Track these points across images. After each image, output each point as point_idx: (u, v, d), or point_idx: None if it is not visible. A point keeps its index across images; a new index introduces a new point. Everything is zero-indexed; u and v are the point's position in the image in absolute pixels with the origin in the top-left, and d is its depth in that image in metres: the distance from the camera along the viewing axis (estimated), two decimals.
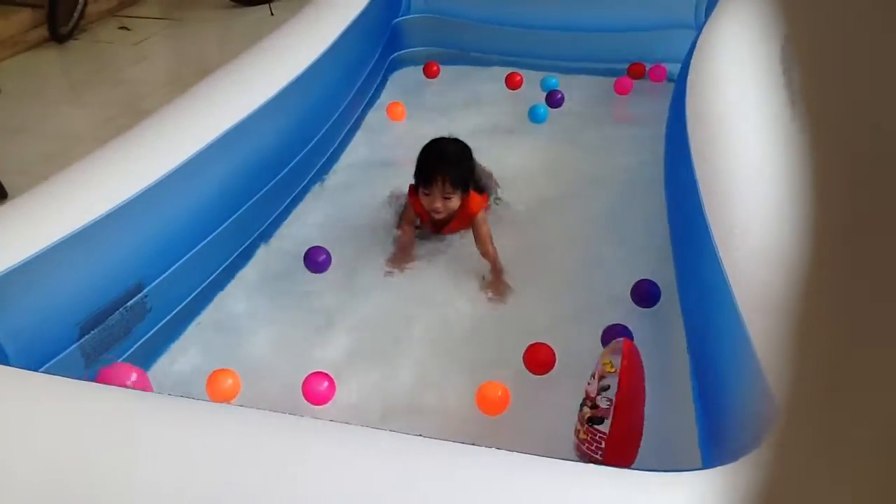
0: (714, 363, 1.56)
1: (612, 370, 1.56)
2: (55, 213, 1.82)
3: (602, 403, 1.54)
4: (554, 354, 1.89)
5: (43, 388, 1.36)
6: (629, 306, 2.10)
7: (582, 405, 1.61)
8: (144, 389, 1.57)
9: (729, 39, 2.42)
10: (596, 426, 1.55)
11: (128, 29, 4.97)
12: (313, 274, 2.29)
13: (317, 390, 1.79)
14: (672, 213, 2.22)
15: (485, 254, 2.32)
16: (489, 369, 1.92)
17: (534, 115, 3.17)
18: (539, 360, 1.90)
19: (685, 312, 1.91)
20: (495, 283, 2.26)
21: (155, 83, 4.38)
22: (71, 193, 1.90)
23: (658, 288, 2.10)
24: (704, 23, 2.85)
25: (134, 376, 1.55)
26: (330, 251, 2.30)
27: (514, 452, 1.16)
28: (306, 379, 1.82)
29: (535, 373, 1.91)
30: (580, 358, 1.87)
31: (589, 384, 1.60)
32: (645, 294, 2.10)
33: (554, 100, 3.22)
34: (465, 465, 1.13)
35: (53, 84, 4.33)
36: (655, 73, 3.38)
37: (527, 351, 1.91)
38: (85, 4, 4.75)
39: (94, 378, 1.58)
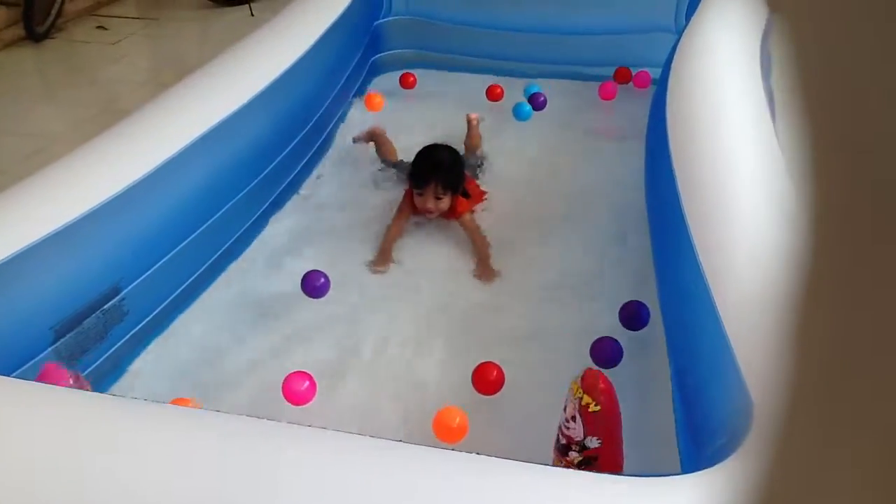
0: (694, 368, 1.56)
1: (596, 408, 1.45)
2: (30, 214, 1.80)
3: (592, 444, 1.46)
4: (503, 374, 1.85)
5: (17, 393, 1.34)
6: (606, 314, 2.10)
7: (566, 450, 1.50)
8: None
9: (710, 42, 2.43)
10: (588, 467, 1.47)
11: (105, 28, 4.92)
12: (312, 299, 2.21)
13: (297, 390, 1.77)
14: (652, 216, 2.22)
15: (474, 244, 2.46)
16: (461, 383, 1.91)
17: (518, 113, 3.16)
18: (488, 380, 1.85)
19: (665, 315, 1.91)
20: (483, 268, 2.38)
21: (133, 83, 4.33)
22: (46, 194, 1.87)
23: (647, 310, 2.02)
24: (685, 26, 2.87)
25: (70, 381, 1.52)
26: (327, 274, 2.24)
27: (497, 458, 1.15)
28: (286, 379, 1.81)
29: (484, 393, 1.85)
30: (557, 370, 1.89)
31: (568, 427, 1.49)
32: (634, 316, 2.02)
33: (536, 102, 3.22)
34: (449, 471, 1.12)
35: (29, 83, 4.27)
36: (639, 80, 3.38)
37: (475, 371, 1.87)
38: (62, 3, 4.69)
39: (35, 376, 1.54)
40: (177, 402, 1.68)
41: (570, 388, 1.50)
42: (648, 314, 2.02)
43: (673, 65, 2.40)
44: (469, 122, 3.06)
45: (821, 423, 0.26)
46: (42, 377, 1.49)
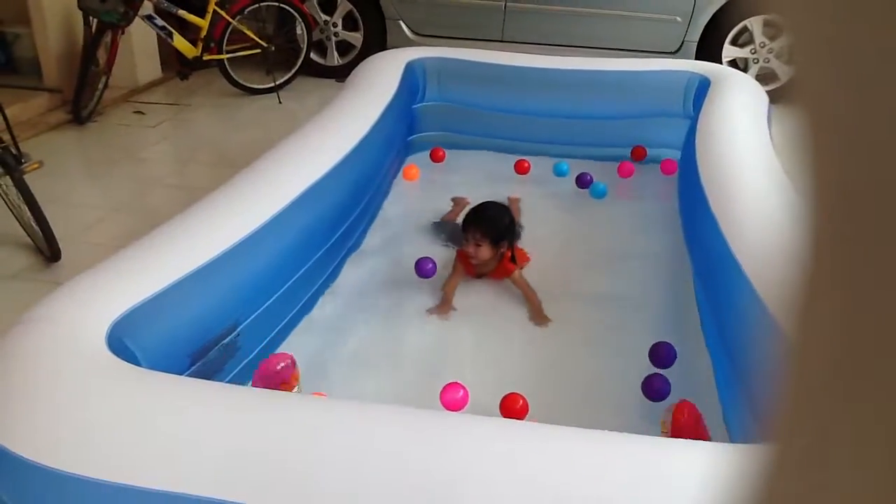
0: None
1: (664, 431, 1.74)
2: (172, 256, 2.06)
3: None
4: (526, 404, 2.12)
5: (210, 392, 1.59)
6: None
7: None
8: (292, 371, 1.89)
9: (726, 121, 2.84)
10: None
11: (143, 113, 5.26)
12: (422, 278, 2.81)
13: (454, 398, 2.11)
14: (696, 261, 2.56)
15: (526, 297, 2.77)
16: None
17: (595, 192, 3.53)
18: (514, 409, 2.12)
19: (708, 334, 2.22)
20: (537, 316, 2.70)
21: (177, 161, 4.67)
22: (180, 243, 2.14)
23: (674, 350, 2.32)
24: (698, 112, 3.29)
25: (282, 363, 1.85)
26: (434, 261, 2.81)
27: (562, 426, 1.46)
28: (444, 389, 2.14)
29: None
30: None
31: None
32: (662, 356, 2.31)
33: (583, 181, 3.59)
34: (544, 441, 1.40)
35: (80, 161, 4.58)
36: (666, 167, 3.71)
37: (503, 401, 2.14)
38: (103, 90, 5.04)
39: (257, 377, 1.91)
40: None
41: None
42: (675, 353, 2.32)
43: (697, 135, 2.79)
44: (510, 200, 3.42)
45: (822, 421, 0.26)
46: (266, 362, 1.89)
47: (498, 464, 1.37)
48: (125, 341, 1.80)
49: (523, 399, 2.14)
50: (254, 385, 2.02)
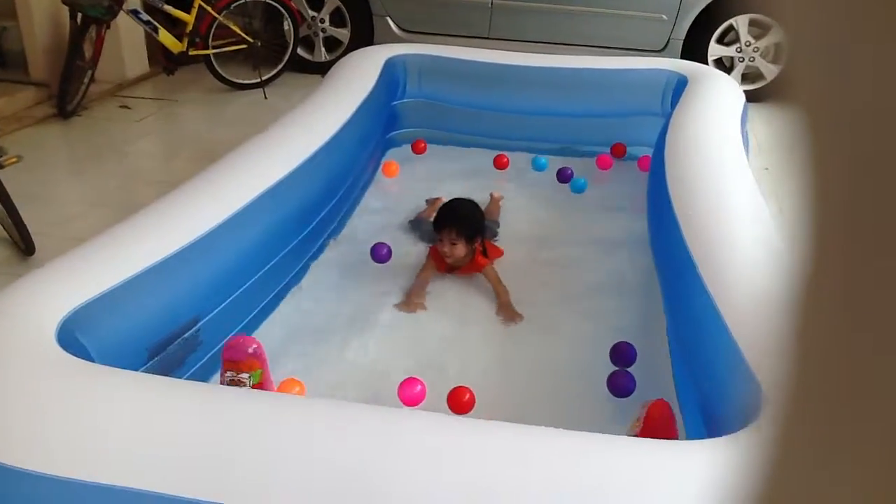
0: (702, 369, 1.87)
1: (635, 427, 1.77)
2: (131, 251, 2.07)
3: None
4: (473, 398, 2.14)
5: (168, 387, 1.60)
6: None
7: None
8: (262, 358, 1.92)
9: (699, 118, 2.84)
10: None
11: (128, 108, 5.27)
12: (378, 264, 2.89)
13: (411, 393, 2.13)
14: (659, 258, 2.57)
15: (496, 291, 2.78)
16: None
17: (575, 187, 3.56)
18: (461, 402, 2.14)
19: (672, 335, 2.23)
20: (506, 311, 2.70)
21: (160, 156, 4.68)
22: (141, 236, 2.15)
23: (634, 350, 2.33)
24: (672, 110, 3.29)
25: (254, 346, 1.91)
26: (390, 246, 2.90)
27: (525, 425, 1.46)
28: (401, 384, 2.15)
29: (457, 413, 2.14)
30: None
31: None
32: (623, 355, 2.32)
33: (564, 175, 3.61)
34: (527, 443, 1.41)
35: (64, 155, 4.59)
36: (643, 163, 3.70)
37: (450, 394, 2.16)
38: (89, 84, 5.05)
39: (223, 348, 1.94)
40: (286, 383, 1.95)
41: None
42: (636, 353, 2.32)
43: (668, 133, 2.80)
44: (492, 197, 3.42)
45: (823, 420, 0.26)
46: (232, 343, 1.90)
47: (431, 460, 1.38)
48: (77, 336, 1.81)
49: (470, 392, 2.16)
50: (223, 354, 2.02)
